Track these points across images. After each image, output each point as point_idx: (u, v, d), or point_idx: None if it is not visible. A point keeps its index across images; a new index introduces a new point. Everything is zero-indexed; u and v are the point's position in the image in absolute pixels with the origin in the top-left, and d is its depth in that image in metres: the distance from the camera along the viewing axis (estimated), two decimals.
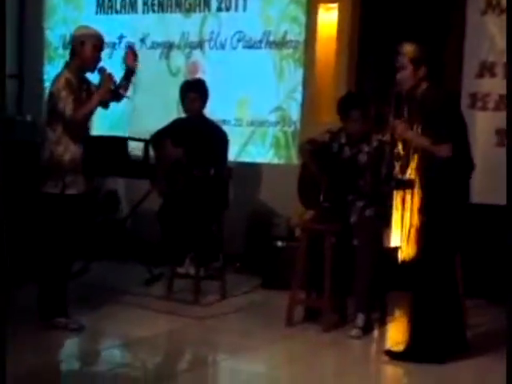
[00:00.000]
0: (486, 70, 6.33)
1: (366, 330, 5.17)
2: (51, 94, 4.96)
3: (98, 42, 5.05)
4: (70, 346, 4.87)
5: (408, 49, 4.79)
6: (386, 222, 5.63)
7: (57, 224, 4.90)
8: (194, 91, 6.16)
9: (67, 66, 5.02)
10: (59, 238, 4.90)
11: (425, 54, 4.86)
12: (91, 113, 5.03)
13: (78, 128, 4.95)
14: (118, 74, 7.72)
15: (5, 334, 3.47)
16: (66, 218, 4.89)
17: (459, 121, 4.68)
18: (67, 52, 8.11)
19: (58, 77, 4.99)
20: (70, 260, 5.10)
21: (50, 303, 4.94)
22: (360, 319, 5.15)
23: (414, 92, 4.78)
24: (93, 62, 5.02)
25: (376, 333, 5.32)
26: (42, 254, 5.00)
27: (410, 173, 5.97)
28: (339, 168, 5.37)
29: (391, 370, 4.73)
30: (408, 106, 4.89)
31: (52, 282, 4.94)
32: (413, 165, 5.42)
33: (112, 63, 7.90)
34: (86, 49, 4.99)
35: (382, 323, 5.45)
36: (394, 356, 4.67)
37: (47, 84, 8.33)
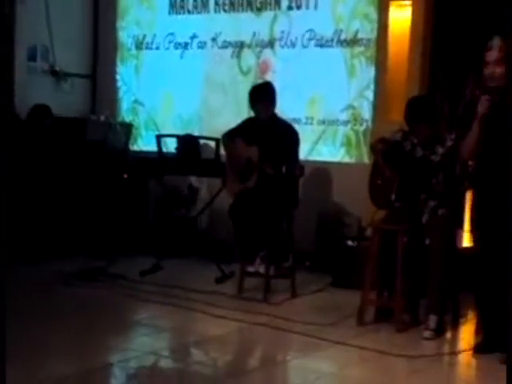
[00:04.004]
0: None
1: (439, 331, 5.10)
2: None
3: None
4: (144, 343, 4.92)
5: (504, 44, 4.61)
6: (458, 221, 5.54)
7: None
8: (263, 101, 6.17)
9: None
10: None
11: None
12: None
13: None
14: (190, 75, 7.93)
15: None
16: None
17: None
18: (140, 53, 8.37)
19: None
20: None
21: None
22: (432, 321, 5.08)
23: (501, 87, 4.59)
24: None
25: (449, 334, 5.24)
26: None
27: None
28: (411, 167, 5.31)
29: (464, 372, 4.67)
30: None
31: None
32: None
33: (184, 63, 8.09)
34: None
35: (455, 324, 5.37)
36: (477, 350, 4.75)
37: (120, 84, 8.49)
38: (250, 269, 6.11)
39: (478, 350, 4.76)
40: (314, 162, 7.11)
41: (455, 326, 5.36)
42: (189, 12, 8.08)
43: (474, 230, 4.89)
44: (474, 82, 6.41)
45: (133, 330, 5.22)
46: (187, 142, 6.86)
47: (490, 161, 4.67)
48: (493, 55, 4.62)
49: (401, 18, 6.83)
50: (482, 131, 4.64)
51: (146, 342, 4.94)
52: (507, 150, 4.49)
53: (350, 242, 6.50)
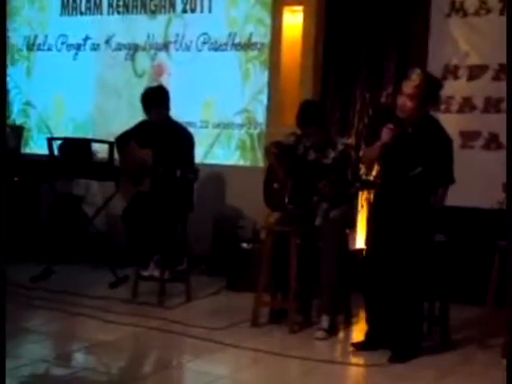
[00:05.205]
0: (449, 72, 6.37)
1: (331, 331, 5.19)
2: None
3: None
4: (35, 350, 4.82)
5: (422, 79, 4.58)
6: (350, 223, 5.64)
7: None
8: (155, 105, 6.12)
9: None
10: None
11: (438, 90, 4.76)
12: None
13: None
14: (84, 76, 7.82)
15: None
16: None
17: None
18: (31, 54, 8.20)
19: None
20: None
21: None
22: (324, 321, 5.17)
23: (408, 120, 4.69)
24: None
25: (341, 334, 5.33)
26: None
27: (375, 174, 5.98)
28: (304, 170, 5.38)
29: (355, 372, 4.76)
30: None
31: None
32: (377, 167, 5.44)
33: (77, 65, 7.97)
34: None
35: (347, 324, 5.47)
36: (357, 347, 4.90)
37: (10, 86, 8.29)
38: (145, 273, 6.07)
39: (362, 346, 4.89)
40: (210, 166, 7.12)
41: (347, 326, 5.46)
42: (81, 13, 7.97)
43: (368, 235, 5.00)
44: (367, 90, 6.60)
45: (24, 337, 5.09)
46: (79, 145, 6.76)
47: (387, 184, 4.84)
48: (409, 88, 4.61)
49: (294, 22, 6.92)
50: (381, 158, 4.78)
51: (37, 350, 4.84)
52: (402, 182, 4.67)
53: (244, 245, 6.54)
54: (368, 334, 4.95)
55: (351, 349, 4.93)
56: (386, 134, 4.69)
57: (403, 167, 4.69)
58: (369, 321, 4.98)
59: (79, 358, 4.82)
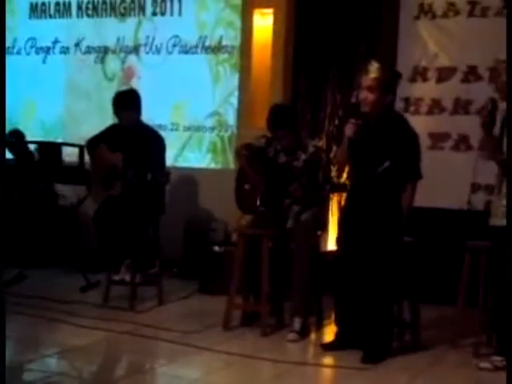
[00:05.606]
0: (418, 74, 6.43)
1: (303, 333, 5.20)
2: None
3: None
4: (7, 355, 4.74)
5: (379, 71, 4.64)
6: (322, 225, 5.66)
7: None
8: (127, 108, 6.10)
9: None
10: None
11: (395, 81, 4.81)
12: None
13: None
14: (53, 79, 7.77)
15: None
16: None
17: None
18: None
19: None
20: None
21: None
22: (297, 323, 5.18)
23: (372, 113, 4.72)
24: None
25: (313, 336, 5.35)
26: None
27: (346, 176, 6.01)
28: (275, 173, 5.39)
29: (328, 373, 4.78)
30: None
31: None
32: (348, 169, 5.47)
33: (46, 68, 7.92)
34: None
35: (319, 326, 5.49)
36: (326, 347, 4.94)
37: None
38: (116, 277, 6.05)
39: (331, 347, 4.93)
40: (181, 169, 7.12)
41: (319, 328, 5.48)
42: (50, 16, 7.94)
43: (338, 236, 5.02)
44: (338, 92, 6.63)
45: None
46: (49, 148, 6.72)
47: (357, 185, 4.88)
48: (368, 80, 4.67)
49: (264, 25, 6.94)
50: (350, 153, 4.80)
51: (9, 355, 4.79)
52: (372, 182, 4.69)
53: (216, 248, 6.54)
54: (337, 335, 4.98)
55: (320, 350, 4.95)
56: (349, 129, 4.74)
57: (371, 163, 4.72)
58: (338, 321, 5.01)
59: (52, 363, 4.78)
